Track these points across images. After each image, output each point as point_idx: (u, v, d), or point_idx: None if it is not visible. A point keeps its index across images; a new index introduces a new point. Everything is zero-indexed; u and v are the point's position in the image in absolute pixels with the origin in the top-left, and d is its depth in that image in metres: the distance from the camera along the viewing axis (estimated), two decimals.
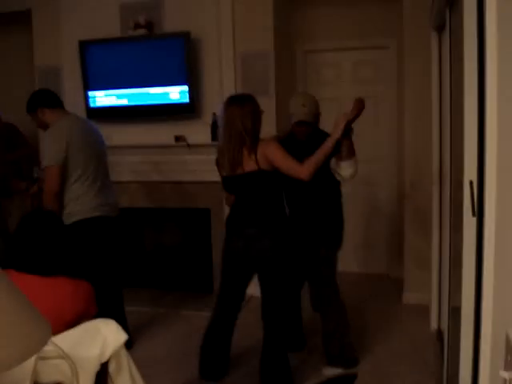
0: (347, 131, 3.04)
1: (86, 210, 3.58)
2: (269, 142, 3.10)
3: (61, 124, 3.56)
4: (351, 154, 3.19)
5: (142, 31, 4.85)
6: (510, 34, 1.22)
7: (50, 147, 3.50)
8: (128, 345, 1.88)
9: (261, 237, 3.15)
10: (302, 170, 2.98)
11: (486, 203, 1.47)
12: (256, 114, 3.09)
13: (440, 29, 3.68)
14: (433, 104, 3.98)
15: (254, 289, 3.51)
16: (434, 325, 4.09)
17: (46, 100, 3.65)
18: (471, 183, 1.89)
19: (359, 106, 3.02)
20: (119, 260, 3.97)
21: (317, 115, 3.40)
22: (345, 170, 3.24)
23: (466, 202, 1.97)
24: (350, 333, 3.55)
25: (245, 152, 3.05)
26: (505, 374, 0.93)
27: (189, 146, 4.83)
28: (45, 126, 3.65)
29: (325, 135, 3.18)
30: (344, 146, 3.14)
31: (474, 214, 1.86)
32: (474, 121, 1.91)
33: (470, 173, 1.93)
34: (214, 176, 4.79)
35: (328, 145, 3.01)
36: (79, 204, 3.56)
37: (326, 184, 3.46)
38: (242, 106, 3.06)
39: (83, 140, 3.61)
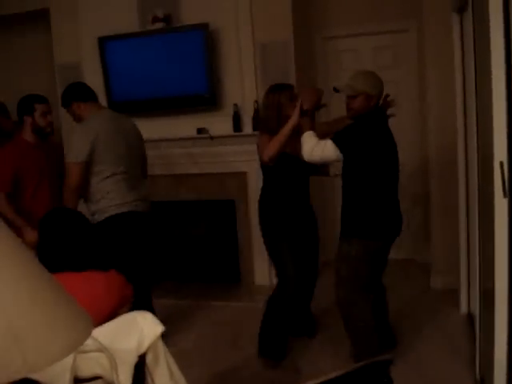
0: (305, 112, 3.23)
1: (119, 206, 3.58)
2: None
3: (90, 121, 3.57)
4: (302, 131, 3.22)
5: (160, 25, 4.86)
6: None
7: (75, 144, 3.52)
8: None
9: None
10: (262, 155, 3.31)
11: None
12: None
13: (461, 10, 3.64)
14: (456, 86, 3.93)
15: None
16: (463, 309, 4.06)
17: (80, 94, 3.66)
18: (502, 164, 1.88)
19: (308, 97, 3.26)
20: (151, 255, 3.98)
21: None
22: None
23: (496, 183, 1.96)
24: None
25: None
26: None
27: (212, 138, 4.84)
28: (81, 120, 3.66)
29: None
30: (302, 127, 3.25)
31: (505, 195, 1.85)
32: (502, 101, 1.90)
33: (500, 154, 1.92)
34: (238, 167, 4.86)
35: (283, 131, 3.23)
36: (112, 199, 3.56)
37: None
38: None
39: (115, 136, 3.60)
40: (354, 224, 3.19)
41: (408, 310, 4.21)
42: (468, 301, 4.00)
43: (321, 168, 3.65)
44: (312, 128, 3.20)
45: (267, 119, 3.43)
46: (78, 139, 3.51)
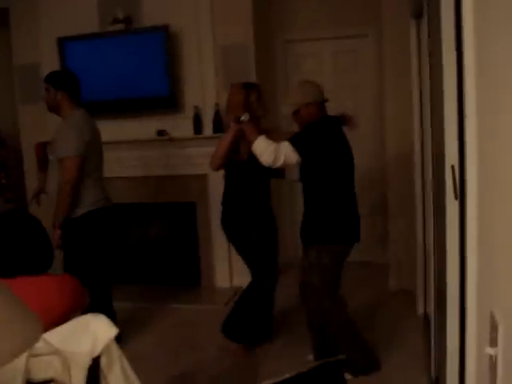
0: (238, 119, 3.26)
1: (93, 202, 3.66)
2: None
3: (79, 117, 3.60)
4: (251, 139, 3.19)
5: (120, 26, 4.83)
6: (485, 18, 1.24)
7: (72, 137, 3.50)
8: (117, 340, 1.88)
9: None
10: (209, 165, 3.47)
11: (467, 186, 1.50)
12: None
13: (418, 16, 3.71)
14: (413, 91, 4.00)
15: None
16: (420, 309, 4.13)
17: (73, 88, 3.68)
18: (453, 167, 1.92)
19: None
20: (109, 255, 3.97)
21: None
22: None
23: (448, 185, 2.00)
24: None
25: None
26: (490, 351, 0.96)
27: (171, 140, 4.82)
28: (54, 108, 3.67)
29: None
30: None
31: (456, 197, 1.89)
32: (453, 106, 1.94)
33: (451, 157, 1.97)
34: (198, 170, 4.85)
35: (222, 142, 3.36)
36: (88, 196, 3.62)
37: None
38: None
39: (94, 133, 3.69)
40: (318, 230, 3.18)
41: (366, 312, 4.24)
42: (425, 302, 4.07)
43: (277, 171, 3.64)
44: (258, 131, 3.19)
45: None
46: (73, 135, 3.51)
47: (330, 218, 3.15)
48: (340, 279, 3.26)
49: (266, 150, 3.03)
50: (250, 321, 3.64)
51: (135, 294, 4.98)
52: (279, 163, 3.04)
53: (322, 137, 3.09)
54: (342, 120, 3.32)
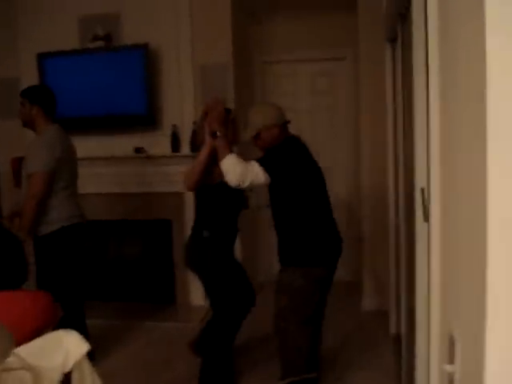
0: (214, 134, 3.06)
1: (66, 218, 3.64)
2: None
3: (53, 133, 3.60)
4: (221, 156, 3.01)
5: (100, 43, 4.86)
6: (448, 47, 1.29)
7: (42, 153, 3.50)
8: (90, 357, 1.89)
9: None
10: (184, 184, 3.29)
11: (431, 209, 1.55)
12: None
13: (393, 40, 3.79)
14: (387, 114, 4.07)
15: None
16: (393, 329, 4.17)
17: (49, 105, 3.69)
18: (423, 190, 1.97)
19: (213, 116, 3.10)
20: (82, 272, 3.95)
21: None
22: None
23: (418, 208, 2.05)
24: None
25: None
26: (448, 368, 1.00)
27: (149, 157, 4.84)
28: (28, 124, 3.68)
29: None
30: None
31: (425, 219, 1.94)
32: (423, 130, 1.99)
33: (421, 180, 2.02)
34: (175, 187, 4.87)
35: (199, 158, 3.13)
36: (61, 212, 3.61)
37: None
38: None
39: (68, 150, 3.69)
40: (291, 252, 3.07)
41: (339, 332, 4.27)
42: (397, 322, 4.11)
43: (242, 201, 3.51)
44: (229, 149, 3.01)
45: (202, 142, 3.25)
46: (44, 151, 3.51)
47: (303, 239, 3.05)
48: (317, 307, 3.13)
49: (234, 169, 2.88)
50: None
51: (110, 311, 4.96)
52: (246, 183, 2.88)
53: (289, 157, 2.99)
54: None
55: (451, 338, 1.04)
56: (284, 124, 3.11)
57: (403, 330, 3.31)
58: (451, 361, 1.01)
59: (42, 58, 4.94)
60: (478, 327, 0.83)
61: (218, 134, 3.04)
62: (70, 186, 3.72)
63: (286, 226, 3.11)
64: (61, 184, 3.61)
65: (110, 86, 4.84)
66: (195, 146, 3.26)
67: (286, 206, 3.09)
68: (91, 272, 5.00)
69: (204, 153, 3.10)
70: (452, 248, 1.27)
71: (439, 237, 1.43)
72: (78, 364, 1.75)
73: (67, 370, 1.73)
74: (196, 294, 5.03)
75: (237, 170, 2.87)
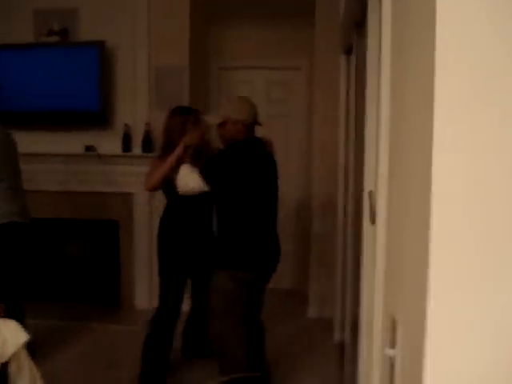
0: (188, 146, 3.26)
1: (3, 215, 3.50)
2: None
3: None
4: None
5: (55, 38, 4.78)
6: (400, 56, 1.34)
7: None
8: (31, 355, 1.85)
9: None
10: (144, 183, 3.43)
11: (378, 212, 1.58)
12: None
13: (348, 51, 3.87)
14: (340, 122, 4.14)
15: None
16: (337, 336, 4.21)
17: None
18: (370, 193, 2.01)
19: (194, 134, 3.30)
20: (23, 270, 3.85)
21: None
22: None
23: (365, 210, 2.09)
24: None
25: None
26: (389, 352, 1.02)
27: (99, 156, 4.78)
28: None
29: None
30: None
31: (372, 222, 1.98)
32: (373, 137, 2.04)
33: (369, 183, 2.06)
34: (125, 188, 4.82)
35: (168, 161, 3.25)
36: None
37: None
38: None
39: (1, 145, 3.54)
40: (222, 255, 3.10)
41: (284, 340, 4.28)
42: (341, 330, 4.15)
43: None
44: (188, 157, 3.19)
45: (169, 143, 3.38)
46: None
47: (236, 243, 3.07)
48: (247, 310, 3.14)
49: (179, 176, 3.07)
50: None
51: (54, 312, 4.83)
52: (186, 192, 3.09)
53: (234, 163, 3.03)
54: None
55: (393, 321, 1.06)
56: (251, 124, 3.15)
57: (347, 337, 3.35)
58: (393, 345, 1.03)
59: None
60: (420, 310, 0.85)
61: (189, 147, 3.24)
62: (6, 181, 3.55)
63: (221, 229, 3.15)
64: None
65: (63, 81, 4.76)
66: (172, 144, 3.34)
67: (223, 209, 3.14)
68: (34, 271, 4.88)
69: (173, 157, 3.22)
70: (397, 239, 1.30)
71: (385, 234, 1.46)
72: (16, 354, 1.71)
73: (4, 360, 1.68)
74: (141, 297, 4.98)
75: (179, 177, 3.07)
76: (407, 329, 0.97)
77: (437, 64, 0.88)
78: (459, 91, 0.87)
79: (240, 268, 3.05)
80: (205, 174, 2.99)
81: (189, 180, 3.02)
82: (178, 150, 3.22)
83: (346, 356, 3.40)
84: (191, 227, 3.49)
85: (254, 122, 3.16)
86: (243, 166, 3.03)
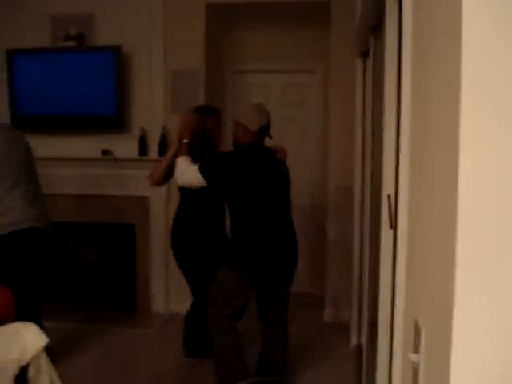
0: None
1: (19, 222, 3.45)
2: None
3: None
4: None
5: (72, 43, 4.82)
6: (421, 60, 1.32)
7: None
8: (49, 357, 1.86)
9: None
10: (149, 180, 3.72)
11: (399, 216, 1.57)
12: None
13: (365, 54, 3.85)
14: (356, 126, 4.12)
15: None
16: (353, 341, 4.19)
17: None
18: (389, 197, 2.00)
19: (183, 127, 3.50)
20: (42, 276, 3.84)
21: None
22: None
23: (384, 214, 2.08)
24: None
25: None
26: (413, 357, 1.01)
27: (116, 160, 4.80)
28: None
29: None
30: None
31: (391, 226, 1.97)
32: (392, 141, 2.03)
33: (388, 187, 2.05)
34: (141, 191, 4.84)
35: (165, 157, 3.61)
36: (10, 216, 3.42)
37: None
38: None
39: (11, 150, 3.49)
40: (229, 252, 3.26)
41: (299, 342, 4.27)
42: (358, 333, 4.14)
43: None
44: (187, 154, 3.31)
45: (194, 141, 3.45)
46: None
47: (236, 243, 3.19)
48: (240, 308, 3.20)
49: (178, 169, 3.25)
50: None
51: (70, 315, 4.85)
52: (185, 184, 3.26)
53: (232, 164, 3.13)
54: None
55: (416, 327, 1.05)
56: (258, 130, 3.25)
57: (364, 341, 3.33)
58: (416, 350, 1.02)
59: (12, 55, 4.86)
60: (446, 313, 0.84)
61: (185, 140, 3.39)
62: (22, 185, 3.50)
63: (232, 225, 3.27)
64: (5, 187, 3.42)
65: (79, 86, 4.79)
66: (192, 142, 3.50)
67: (229, 208, 3.31)
68: (51, 274, 4.91)
69: (169, 153, 3.54)
70: (420, 241, 1.29)
71: (406, 237, 1.45)
72: (35, 358, 1.72)
73: (24, 363, 1.69)
74: (158, 301, 4.99)
75: (179, 170, 3.25)
76: (432, 333, 0.96)
77: (463, 67, 0.86)
78: (487, 94, 0.86)
79: (234, 267, 3.15)
80: (201, 169, 3.11)
81: (184, 169, 3.20)
82: (174, 146, 3.52)
83: (363, 360, 3.39)
84: (202, 225, 3.63)
85: (262, 130, 3.27)
86: (238, 168, 3.12)
